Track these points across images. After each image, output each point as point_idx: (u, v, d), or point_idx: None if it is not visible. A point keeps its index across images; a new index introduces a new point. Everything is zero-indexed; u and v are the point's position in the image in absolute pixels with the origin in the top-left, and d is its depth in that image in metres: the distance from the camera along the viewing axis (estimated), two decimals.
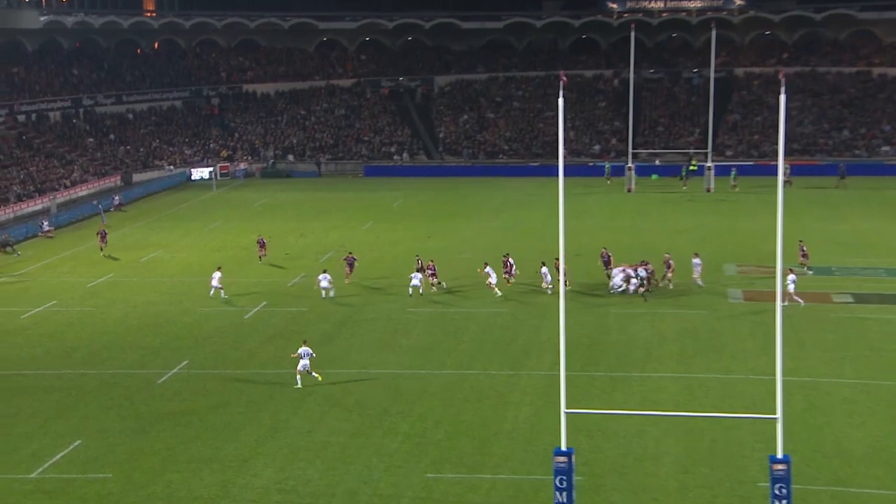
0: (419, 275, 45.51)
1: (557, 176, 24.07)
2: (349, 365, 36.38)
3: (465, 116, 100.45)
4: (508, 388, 33.61)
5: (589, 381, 33.72)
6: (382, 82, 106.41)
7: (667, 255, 46.53)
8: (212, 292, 45.78)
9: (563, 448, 23.24)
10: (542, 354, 36.84)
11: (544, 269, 45.28)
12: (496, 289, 45.11)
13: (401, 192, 79.11)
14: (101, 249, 56.66)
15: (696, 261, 45.56)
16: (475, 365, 36.11)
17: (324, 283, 45.14)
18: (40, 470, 27.55)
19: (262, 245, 53.37)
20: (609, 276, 45.93)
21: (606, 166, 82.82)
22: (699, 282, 45.28)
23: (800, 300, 41.82)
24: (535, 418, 30.73)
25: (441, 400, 32.62)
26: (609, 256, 46.77)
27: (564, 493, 23.05)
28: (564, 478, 23.04)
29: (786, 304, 42.03)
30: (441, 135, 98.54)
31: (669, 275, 45.61)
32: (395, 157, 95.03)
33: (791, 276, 42.01)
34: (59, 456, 28.46)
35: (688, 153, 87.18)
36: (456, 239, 59.66)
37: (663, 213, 67.79)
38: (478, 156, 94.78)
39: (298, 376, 34.00)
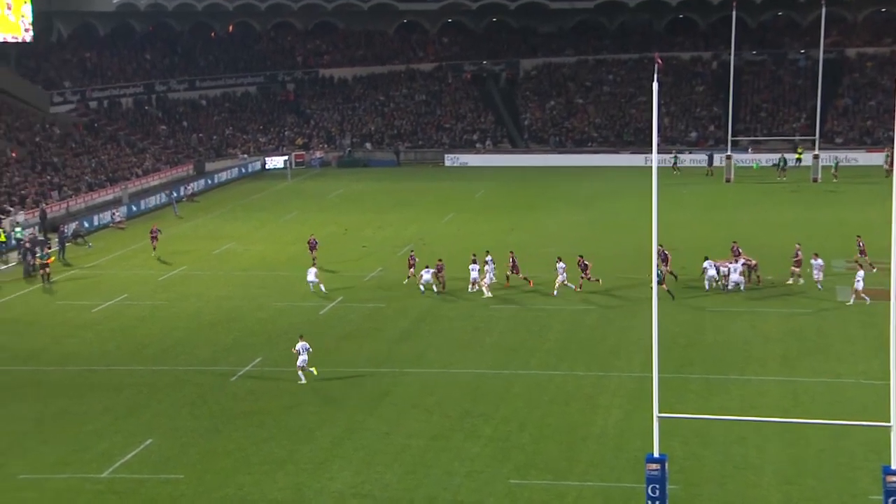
0: (477, 266, 45.45)
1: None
2: (428, 364, 36.52)
3: (552, 102, 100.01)
4: (597, 390, 33.41)
5: (683, 384, 33.33)
6: (465, 66, 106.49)
7: (797, 246, 46.02)
8: (312, 288, 46.05)
9: (656, 455, 23.02)
10: (632, 355, 36.52)
11: (560, 265, 44.79)
12: (487, 290, 44.67)
13: (483, 183, 79.13)
14: (154, 249, 55.77)
15: (818, 262, 44.60)
16: (561, 365, 35.97)
17: (426, 277, 45.27)
18: (111, 469, 28.17)
19: (312, 246, 52.10)
20: (670, 274, 45.45)
21: (674, 156, 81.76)
22: (819, 285, 44.28)
23: (866, 298, 41.59)
24: (625, 422, 30.49)
25: (525, 401, 32.56)
26: (667, 254, 45.98)
27: (657, 503, 22.83)
28: (657, 486, 22.82)
29: (850, 302, 41.53)
30: (526, 122, 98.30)
31: (796, 269, 44.98)
32: (478, 146, 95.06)
33: (860, 273, 42.34)
34: (130, 455, 29.06)
35: (793, 140, 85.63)
36: (540, 232, 59.46)
37: (765, 205, 66.74)
38: (565, 144, 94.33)
39: (300, 372, 34.56)
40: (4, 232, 58.56)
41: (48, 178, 72.04)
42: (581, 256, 45.69)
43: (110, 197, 72.89)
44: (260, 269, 52.11)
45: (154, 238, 56.14)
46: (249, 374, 35.90)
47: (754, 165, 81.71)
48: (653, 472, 22.89)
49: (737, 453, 28.05)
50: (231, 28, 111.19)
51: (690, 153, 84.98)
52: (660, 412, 23.23)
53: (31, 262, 51.93)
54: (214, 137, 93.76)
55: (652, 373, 23.28)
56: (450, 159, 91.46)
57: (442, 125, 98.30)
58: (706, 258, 45.41)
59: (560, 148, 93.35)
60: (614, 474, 27.05)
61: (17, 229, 59.12)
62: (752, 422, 29.05)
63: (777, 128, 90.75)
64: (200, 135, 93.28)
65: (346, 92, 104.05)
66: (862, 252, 47.12)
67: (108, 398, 33.87)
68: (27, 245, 53.89)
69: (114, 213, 67.56)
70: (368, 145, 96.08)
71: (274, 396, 33.65)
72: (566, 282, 44.75)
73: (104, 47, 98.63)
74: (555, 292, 44.54)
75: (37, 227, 61.85)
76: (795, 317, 40.98)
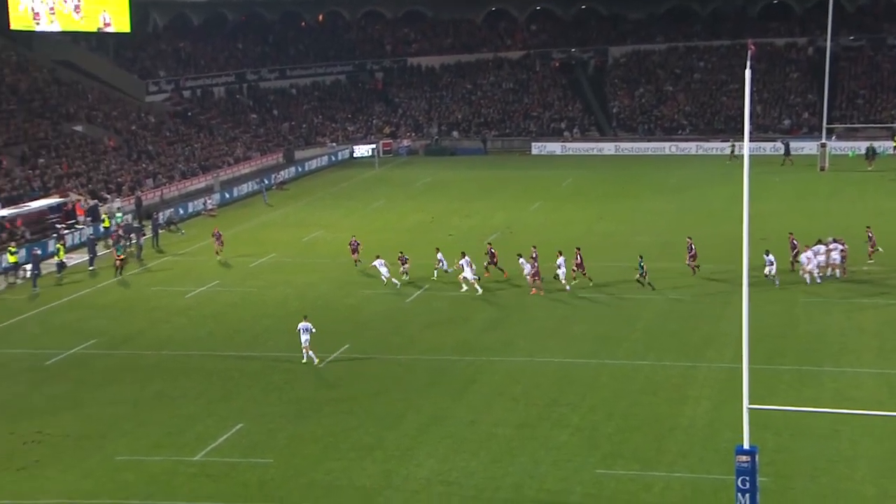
0: (525, 262, 44.86)
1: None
2: (516, 353, 36.53)
3: (641, 90, 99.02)
4: (685, 380, 33.09)
5: (775, 375, 32.85)
6: (553, 54, 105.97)
7: None
8: (388, 282, 46.11)
9: (746, 446, 22.74)
10: (723, 346, 36.06)
11: (560, 259, 44.10)
12: (476, 285, 44.05)
13: (570, 171, 78.71)
14: (217, 253, 52.60)
15: None
16: (649, 355, 35.68)
17: (469, 275, 45.07)
18: (204, 452, 28.75)
19: (354, 248, 50.13)
20: (691, 268, 44.91)
21: (731, 144, 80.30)
22: None
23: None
24: (714, 413, 30.16)
25: (612, 391, 32.41)
26: (693, 247, 45.13)
27: (747, 496, 22.57)
28: (747, 478, 22.55)
29: None
30: (614, 110, 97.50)
31: None
32: (566, 134, 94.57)
33: None
34: (221, 439, 29.63)
35: (891, 128, 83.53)
36: (629, 220, 59.00)
37: (861, 195, 65.27)
38: (654, 132, 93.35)
39: (304, 351, 35.58)
40: (109, 218, 60.17)
41: (143, 166, 73.63)
42: (578, 249, 45.00)
43: (202, 185, 74.28)
44: (347, 257, 52.42)
45: (218, 240, 52.93)
46: (337, 361, 36.29)
47: (850, 153, 79.91)
48: (743, 464, 22.62)
49: (830, 446, 27.57)
50: (321, 17, 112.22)
51: (787, 142, 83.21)
52: (750, 403, 22.92)
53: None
54: (304, 126, 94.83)
55: (742, 364, 22.98)
56: (537, 147, 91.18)
57: (529, 113, 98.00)
58: (767, 251, 43.81)
59: (649, 136, 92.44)
60: (703, 465, 26.79)
61: (118, 215, 60.66)
62: (845, 414, 28.52)
63: (874, 115, 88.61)
64: (290, 123, 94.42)
65: (434, 80, 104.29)
66: (872, 245, 46.23)
67: (201, 382, 34.57)
68: (119, 232, 55.20)
69: (206, 201, 68.81)
70: (455, 133, 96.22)
71: (361, 383, 33.97)
72: (562, 278, 44.11)
73: (198, 37, 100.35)
74: (567, 287, 43.91)
75: (132, 215, 63.30)
76: (892, 307, 40.06)
